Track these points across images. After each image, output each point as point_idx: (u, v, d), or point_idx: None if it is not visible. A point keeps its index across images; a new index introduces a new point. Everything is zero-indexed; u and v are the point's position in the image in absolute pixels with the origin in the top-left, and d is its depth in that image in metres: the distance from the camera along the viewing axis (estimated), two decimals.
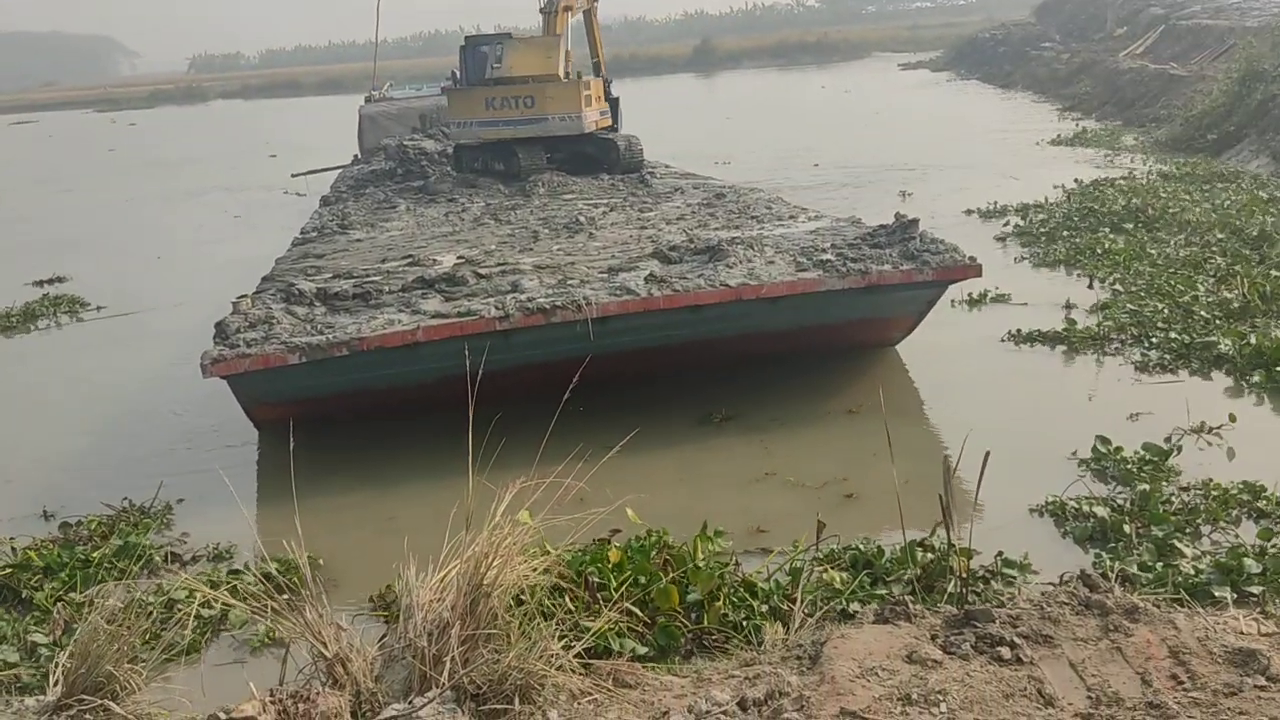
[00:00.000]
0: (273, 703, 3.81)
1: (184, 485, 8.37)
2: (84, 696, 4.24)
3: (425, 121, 25.73)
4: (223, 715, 3.75)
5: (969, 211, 17.76)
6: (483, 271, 10.17)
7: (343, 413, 8.81)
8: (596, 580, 5.39)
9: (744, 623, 5.35)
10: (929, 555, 5.77)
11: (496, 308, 8.81)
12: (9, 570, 6.75)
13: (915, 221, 10.17)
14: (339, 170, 24.55)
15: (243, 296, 9.58)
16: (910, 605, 4.58)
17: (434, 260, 11.04)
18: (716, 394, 9.43)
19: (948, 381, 9.95)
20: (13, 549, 7.07)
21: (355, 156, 27.01)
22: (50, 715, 4.26)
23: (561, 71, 17.84)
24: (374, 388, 8.67)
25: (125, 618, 4.50)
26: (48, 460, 9.55)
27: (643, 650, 5.03)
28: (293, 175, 28.45)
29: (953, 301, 12.40)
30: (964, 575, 5.08)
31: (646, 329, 8.91)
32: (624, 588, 5.36)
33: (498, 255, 11.22)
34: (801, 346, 9.83)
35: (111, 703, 4.18)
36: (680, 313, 9.00)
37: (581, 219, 13.10)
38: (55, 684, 4.70)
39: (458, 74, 30.06)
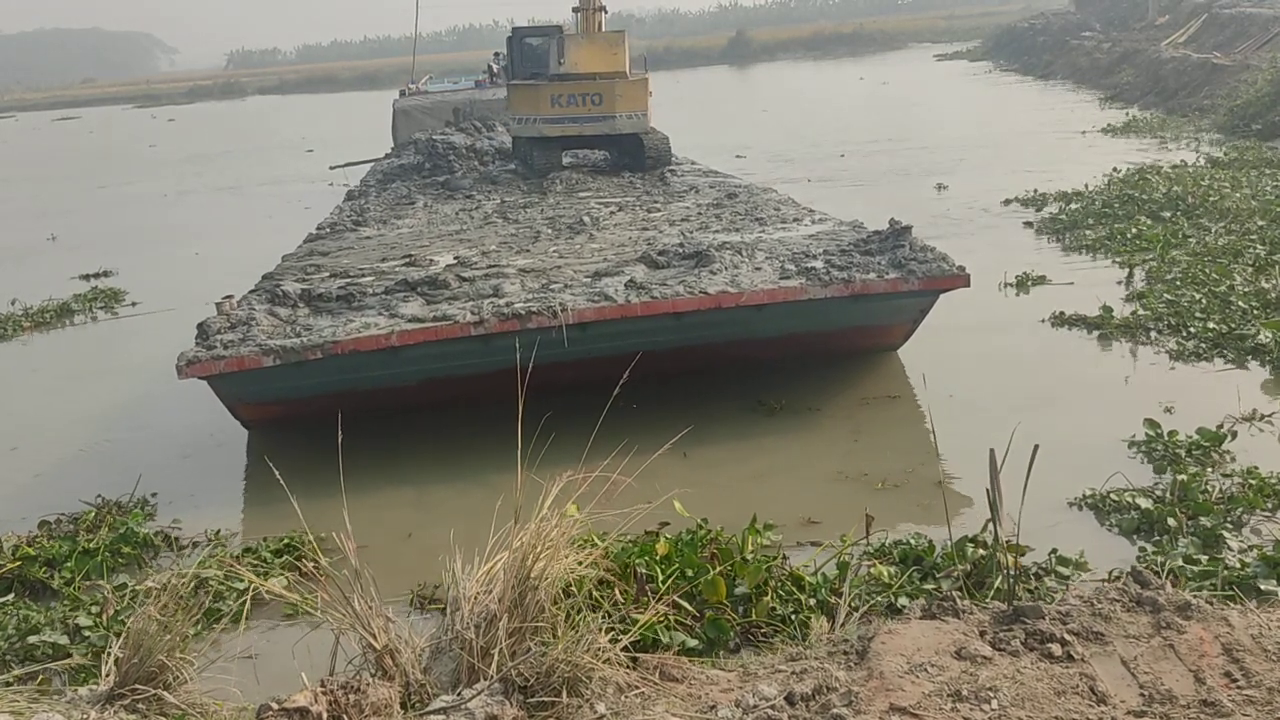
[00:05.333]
0: (324, 693, 3.84)
1: (174, 478, 8.63)
2: (137, 686, 4.29)
3: (458, 115, 25.82)
4: (275, 705, 3.78)
5: (1008, 201, 17.63)
6: (467, 275, 10.18)
7: (327, 414, 8.74)
8: (644, 572, 5.41)
9: (791, 616, 5.35)
10: (979, 551, 5.74)
11: (473, 313, 8.83)
12: (17, 563, 6.93)
13: (908, 229, 10.04)
14: (372, 163, 24.71)
15: (228, 297, 9.65)
16: (959, 601, 4.55)
17: (430, 260, 11.08)
18: (765, 384, 9.42)
19: (991, 365, 9.91)
20: (12, 547, 7.21)
21: (389, 150, 27.16)
22: (104, 704, 4.31)
23: (628, 68, 17.77)
24: (358, 389, 8.69)
25: (175, 609, 4.56)
26: (40, 455, 9.70)
27: (691, 643, 5.04)
28: (331, 168, 28.66)
29: (1001, 285, 12.37)
30: (1014, 572, 5.04)
31: (628, 335, 8.82)
32: (671, 580, 5.38)
33: (492, 256, 11.24)
34: (793, 353, 9.73)
35: (165, 692, 4.24)
36: (661, 319, 8.94)
37: (586, 219, 13.08)
38: (108, 674, 4.77)
39: (494, 67, 30.36)
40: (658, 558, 5.59)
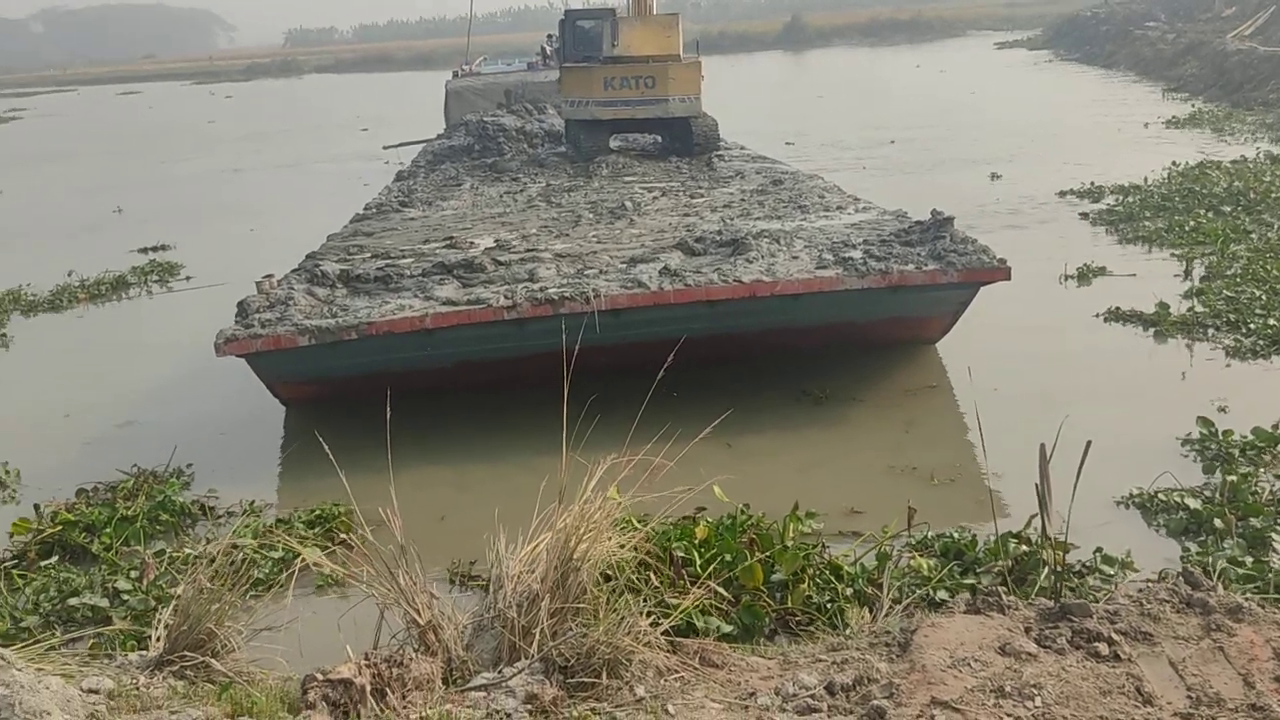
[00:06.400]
0: (368, 666, 3.88)
1: (212, 450, 8.84)
2: (185, 653, 4.38)
3: (510, 97, 25.85)
4: (320, 675, 3.83)
5: (1063, 192, 17.36)
6: (503, 258, 10.20)
7: (362, 394, 8.73)
8: (681, 556, 5.41)
9: (828, 605, 5.34)
10: (1022, 547, 5.68)
11: (507, 297, 8.85)
12: (59, 528, 7.10)
13: (949, 220, 9.89)
14: (424, 144, 24.83)
15: (268, 276, 9.76)
16: (1003, 596, 4.50)
17: (470, 243, 11.11)
18: (808, 373, 9.38)
19: (1040, 359, 9.75)
20: (51, 512, 7.41)
21: (441, 131, 27.29)
22: (153, 670, 4.40)
23: (681, 51, 17.69)
24: (393, 370, 8.71)
25: (223, 578, 4.64)
26: (89, 424, 9.91)
27: (726, 629, 5.04)
28: (384, 148, 28.86)
29: (1062, 278, 12.21)
30: (1059, 569, 4.98)
31: (661, 322, 8.78)
32: (709, 565, 5.38)
33: (531, 240, 11.24)
34: (830, 343, 9.64)
35: (212, 659, 4.31)
36: (694, 307, 8.89)
37: (628, 204, 13.04)
38: (158, 640, 4.87)
39: (547, 49, 30.37)
40: (696, 542, 5.59)
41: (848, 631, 4.77)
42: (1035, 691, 3.79)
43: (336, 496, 7.19)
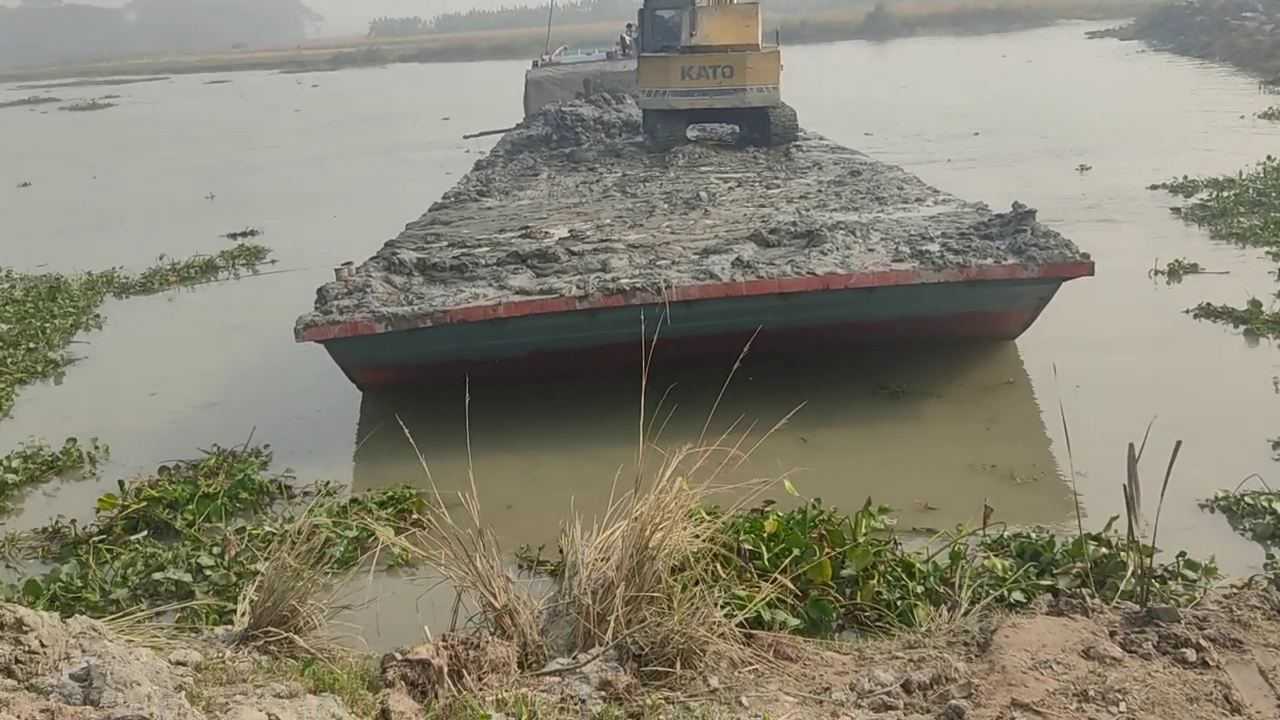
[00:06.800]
0: (445, 648, 3.94)
1: (290, 432, 9.05)
2: (270, 629, 4.48)
3: (589, 87, 25.90)
4: (399, 655, 3.89)
5: (1154, 186, 16.90)
6: (576, 249, 10.22)
7: (437, 381, 8.85)
8: (749, 549, 5.39)
9: (898, 602, 5.27)
10: (1101, 549, 5.55)
11: (579, 287, 8.86)
12: (143, 503, 7.31)
13: (1031, 213, 9.64)
14: (503, 133, 25.00)
15: (347, 264, 9.90)
16: (1087, 599, 4.40)
17: (545, 233, 11.15)
18: (883, 367, 9.27)
19: (1126, 357, 9.52)
20: (135, 489, 7.62)
21: (520, 121, 27.46)
22: (238, 644, 4.51)
23: (760, 41, 17.57)
24: (466, 359, 8.76)
25: (306, 556, 4.73)
26: (174, 403, 10.17)
27: (794, 623, 5.01)
28: (465, 137, 29.15)
29: (1152, 273, 11.91)
30: (1145, 572, 4.85)
31: (733, 314, 8.70)
32: (777, 558, 5.35)
33: (605, 230, 11.23)
34: (906, 337, 9.48)
35: (295, 636, 4.40)
36: (768, 299, 8.80)
37: (703, 194, 12.96)
38: (242, 615, 4.99)
39: (626, 39, 30.37)
40: (765, 535, 5.56)
41: (924, 629, 4.71)
42: (1120, 697, 3.71)
43: (407, 479, 7.37)
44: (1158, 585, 5.38)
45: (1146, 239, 13.56)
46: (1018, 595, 5.20)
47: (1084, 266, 8.97)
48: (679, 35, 18.02)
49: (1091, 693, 3.71)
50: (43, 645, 3.70)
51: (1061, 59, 48.14)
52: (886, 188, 12.76)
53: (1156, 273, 12.01)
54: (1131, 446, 4.61)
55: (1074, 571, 5.43)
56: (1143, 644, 4.06)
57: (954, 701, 3.63)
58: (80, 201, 25.51)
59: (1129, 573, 5.11)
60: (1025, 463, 7.53)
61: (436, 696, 3.77)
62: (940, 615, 4.96)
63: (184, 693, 3.33)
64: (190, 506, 7.30)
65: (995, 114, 27.97)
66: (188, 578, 6.22)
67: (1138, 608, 4.38)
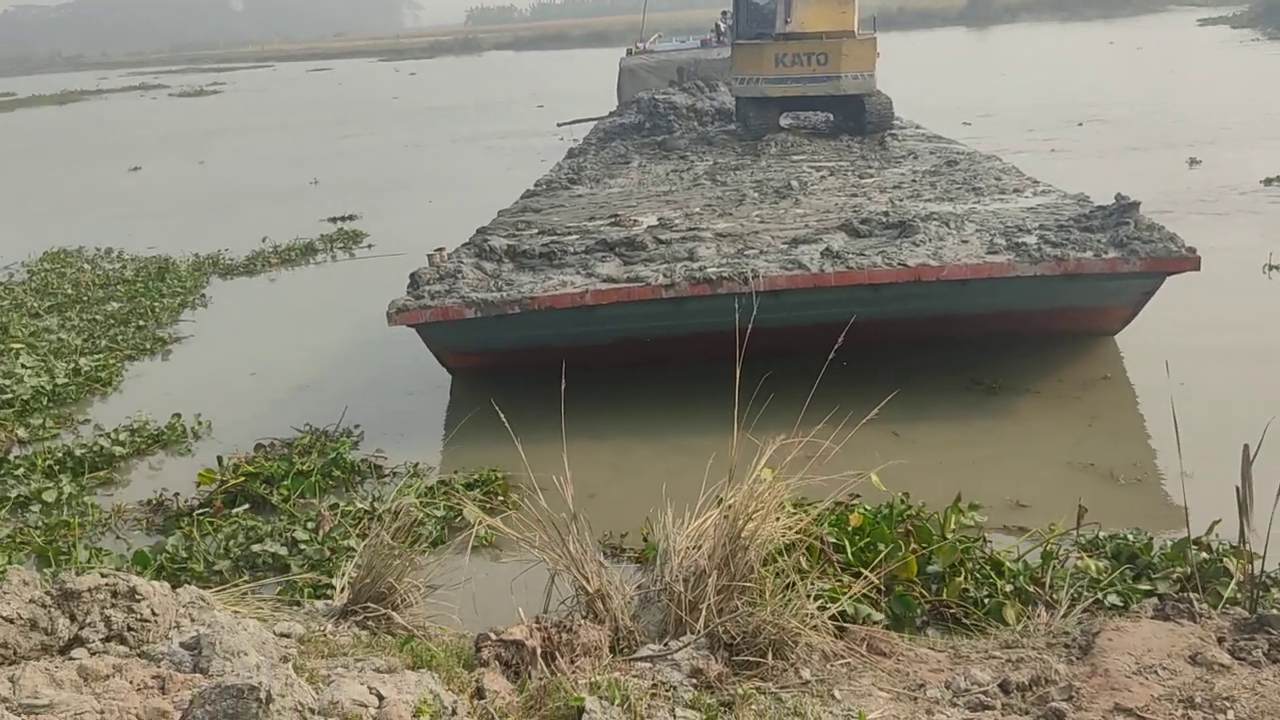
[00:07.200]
0: (539, 629, 3.98)
1: (381, 413, 9.23)
2: (369, 604, 4.58)
3: (682, 75, 25.81)
4: (493, 635, 3.95)
5: (1270, 180, 16.24)
6: (664, 237, 10.17)
7: (525, 366, 8.99)
8: (833, 542, 5.33)
9: (985, 600, 5.17)
10: (1202, 554, 5.36)
11: (665, 275, 8.83)
12: (241, 479, 7.54)
13: (1135, 205, 9.26)
14: (596, 121, 25.08)
15: (439, 249, 10.02)
16: (1195, 604, 4.26)
17: (634, 221, 11.14)
18: (977, 361, 9.09)
19: (1235, 355, 9.15)
20: (232, 464, 7.85)
21: (613, 109, 27.51)
22: (338, 618, 4.62)
23: (856, 27, 17.35)
24: (554, 345, 8.79)
25: (404, 535, 4.83)
26: (272, 383, 10.46)
27: (878, 617, 4.94)
28: (558, 124, 29.35)
29: (1266, 268, 11.50)
30: (1251, 579, 4.69)
31: (822, 304, 8.54)
32: (862, 553, 5.29)
33: (694, 219, 11.16)
34: (1000, 331, 9.23)
35: (394, 612, 4.50)
36: (857, 290, 8.63)
37: (794, 183, 12.79)
38: (341, 590, 5.12)
39: (720, 26, 30.21)
40: (849, 529, 5.49)
41: (1021, 629, 4.61)
42: (1228, 705, 3.58)
43: (493, 462, 7.52)
44: (1263, 592, 5.19)
45: (1260, 234, 13.04)
46: (1114, 599, 5.06)
47: (1189, 261, 8.63)
48: (774, 22, 17.84)
49: (1198, 700, 3.59)
50: (154, 614, 3.84)
51: (1171, 46, 46.55)
52: (984, 178, 12.48)
53: (1271, 268, 11.56)
54: (1246, 448, 4.46)
55: (1174, 576, 5.27)
56: (1253, 651, 3.92)
57: (1054, 704, 3.55)
58: (188, 186, 26.35)
59: (1234, 579, 4.93)
60: (1126, 462, 7.32)
61: (530, 677, 3.82)
62: (1039, 616, 4.86)
63: (290, 664, 3.42)
64: (285, 483, 7.51)
65: (1100, 103, 27.19)
66: (283, 551, 6.40)
67: (1247, 614, 4.23)
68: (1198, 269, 8.65)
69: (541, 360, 8.77)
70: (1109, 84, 31.95)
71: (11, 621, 3.68)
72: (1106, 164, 18.89)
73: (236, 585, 5.10)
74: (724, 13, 28.65)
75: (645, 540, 6.21)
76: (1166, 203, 14.47)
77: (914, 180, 12.92)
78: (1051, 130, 23.58)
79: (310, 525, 6.70)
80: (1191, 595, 4.41)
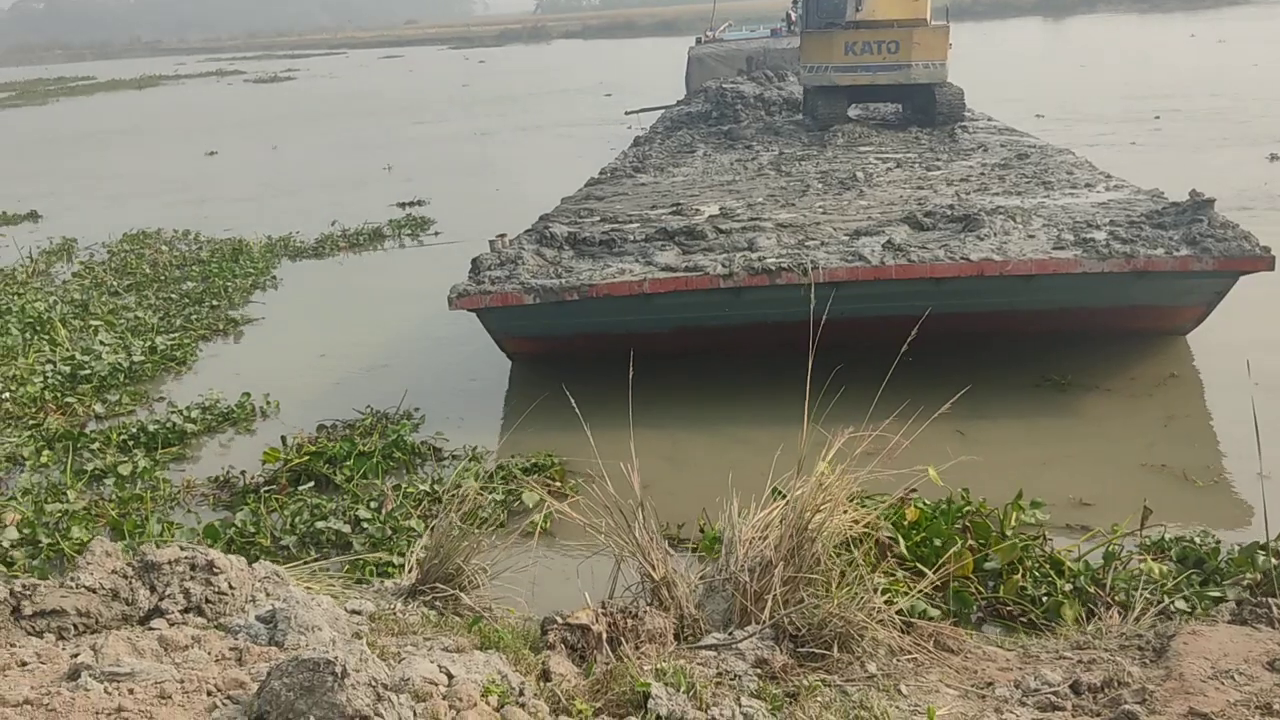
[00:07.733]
0: (604, 615, 4.00)
1: (441, 396, 9.33)
2: (437, 585, 4.64)
3: (751, 64, 25.68)
4: (560, 619, 3.98)
5: None
6: (725, 227, 10.11)
7: (583, 353, 9.05)
8: (889, 537, 5.28)
9: (1043, 599, 5.09)
10: (1273, 560, 5.22)
11: (724, 265, 8.77)
12: (305, 458, 7.68)
13: (1210, 201, 8.99)
14: (663, 110, 25.03)
15: (501, 235, 10.09)
16: (1274, 609, 4.16)
17: (696, 210, 11.09)
18: (1046, 358, 8.94)
19: None
20: (296, 444, 8.01)
21: (681, 98, 27.46)
22: (406, 597, 4.69)
23: (929, 16, 17.11)
24: (612, 333, 8.81)
25: (473, 518, 4.88)
26: (340, 365, 10.59)
27: (933, 613, 4.88)
28: (626, 113, 29.38)
29: None
30: None
31: (883, 298, 8.46)
32: (917, 548, 5.23)
33: (756, 209, 11.08)
34: (1066, 329, 9.04)
35: (461, 593, 4.55)
36: (919, 283, 8.50)
37: (859, 175, 12.67)
38: (409, 570, 5.19)
39: (791, 15, 30.00)
40: (906, 524, 5.43)
41: (1093, 630, 4.54)
42: None
43: (550, 448, 7.61)
44: None
45: None
46: (1180, 604, 4.92)
47: (1264, 260, 8.39)
48: (844, 11, 17.66)
49: (1276, 707, 3.51)
50: (231, 587, 3.93)
51: (1255, 40, 45.19)
52: (1055, 172, 12.25)
53: None
54: None
55: (1244, 582, 5.13)
56: None
57: (1126, 706, 3.49)
58: (261, 170, 26.82)
59: None
60: (1199, 464, 7.15)
61: (595, 661, 3.84)
62: (1110, 618, 4.77)
63: (363, 640, 3.48)
64: (348, 463, 7.64)
65: (1179, 97, 26.54)
66: (346, 529, 6.51)
67: None
68: (1272, 269, 8.41)
69: (600, 347, 8.81)
70: (1189, 77, 31.14)
71: (94, 591, 3.80)
72: (1183, 159, 18.44)
73: (305, 562, 5.20)
74: (795, 2, 28.46)
75: (702, 532, 6.20)
76: (1244, 200, 14.10)
77: (982, 173, 12.71)
78: (1126, 124, 23.08)
79: (373, 505, 6.80)
80: (1270, 601, 4.30)
